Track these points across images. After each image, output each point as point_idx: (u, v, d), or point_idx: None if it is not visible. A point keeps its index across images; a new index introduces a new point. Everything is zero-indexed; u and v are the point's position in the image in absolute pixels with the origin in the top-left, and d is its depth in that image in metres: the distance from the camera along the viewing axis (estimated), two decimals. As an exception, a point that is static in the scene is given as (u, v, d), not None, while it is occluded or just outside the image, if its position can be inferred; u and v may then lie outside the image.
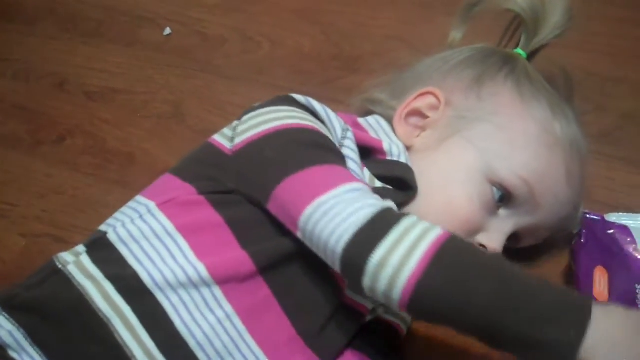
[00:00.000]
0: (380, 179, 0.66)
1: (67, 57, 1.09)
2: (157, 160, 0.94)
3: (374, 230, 0.54)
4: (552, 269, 0.76)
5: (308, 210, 0.56)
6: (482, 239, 0.66)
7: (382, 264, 0.52)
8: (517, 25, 0.76)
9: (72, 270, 0.59)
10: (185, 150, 0.93)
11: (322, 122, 0.65)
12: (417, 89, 0.70)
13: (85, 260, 0.60)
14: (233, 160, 0.63)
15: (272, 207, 0.60)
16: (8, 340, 0.57)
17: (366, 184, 0.62)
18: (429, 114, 0.69)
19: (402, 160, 0.67)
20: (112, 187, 0.91)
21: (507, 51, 0.75)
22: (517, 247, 0.72)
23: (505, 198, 0.66)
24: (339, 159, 0.62)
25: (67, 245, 0.85)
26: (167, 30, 1.10)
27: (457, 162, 0.66)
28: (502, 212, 0.67)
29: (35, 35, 1.14)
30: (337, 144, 0.64)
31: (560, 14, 0.72)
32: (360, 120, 0.71)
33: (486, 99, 0.68)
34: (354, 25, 1.05)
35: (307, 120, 0.63)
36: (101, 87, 1.04)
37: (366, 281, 0.53)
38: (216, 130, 0.94)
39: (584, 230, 0.70)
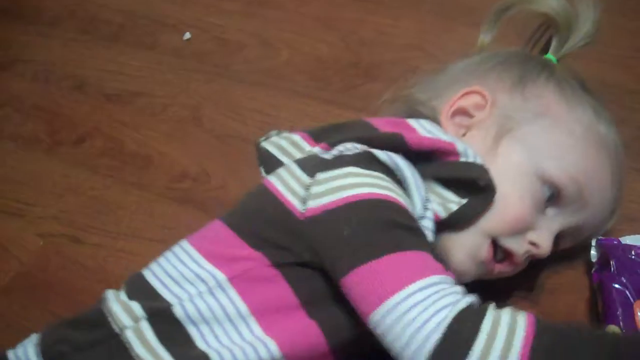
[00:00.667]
0: (447, 181, 0.63)
1: (86, 60, 1.10)
2: (174, 163, 0.94)
3: (457, 339, 0.49)
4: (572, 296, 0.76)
5: (380, 310, 0.52)
6: (532, 236, 0.65)
7: None
8: (543, 32, 0.76)
9: (131, 338, 0.56)
10: (202, 154, 0.94)
11: (404, 186, 0.60)
12: (455, 90, 0.69)
13: (147, 329, 0.56)
14: (308, 227, 0.58)
15: (343, 287, 0.55)
16: None
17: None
18: (474, 113, 0.68)
19: (478, 161, 0.64)
20: (129, 189, 0.92)
21: (540, 56, 0.75)
22: (555, 249, 0.71)
23: (554, 197, 0.66)
24: (418, 238, 0.57)
25: (85, 245, 0.86)
26: (187, 35, 1.10)
27: (507, 161, 0.65)
28: (549, 211, 0.67)
29: (55, 37, 1.15)
30: (416, 215, 0.59)
31: (591, 23, 0.72)
32: (413, 123, 0.67)
33: (531, 99, 0.68)
34: (374, 34, 1.06)
35: (388, 190, 0.58)
36: (120, 89, 1.05)
37: None
38: (234, 134, 0.96)
39: (612, 260, 0.69)
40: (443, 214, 0.62)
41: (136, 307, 0.57)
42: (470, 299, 0.52)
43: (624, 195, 0.79)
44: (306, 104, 0.97)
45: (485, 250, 0.65)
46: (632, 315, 0.66)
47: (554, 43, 0.74)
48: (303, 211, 0.58)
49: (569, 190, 0.65)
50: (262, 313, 0.57)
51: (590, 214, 0.67)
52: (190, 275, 0.59)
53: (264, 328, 0.56)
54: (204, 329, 0.56)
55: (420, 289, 0.51)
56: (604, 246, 0.72)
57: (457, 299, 0.51)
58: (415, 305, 0.51)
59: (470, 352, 0.48)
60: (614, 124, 0.70)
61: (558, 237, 0.69)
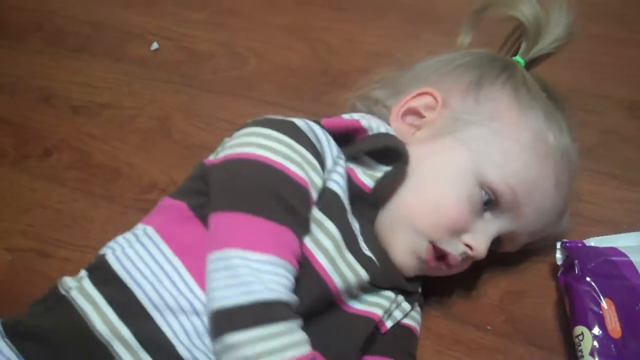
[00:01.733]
0: (370, 154, 0.67)
1: (53, 72, 1.09)
2: (143, 175, 0.93)
3: (252, 313, 0.53)
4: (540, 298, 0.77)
5: (217, 254, 0.56)
6: (467, 239, 0.67)
7: (234, 347, 0.52)
8: (519, 35, 0.77)
9: (75, 295, 0.60)
10: (172, 165, 0.94)
11: (318, 143, 0.64)
12: (415, 89, 0.71)
13: (87, 284, 0.61)
14: (209, 171, 0.64)
15: (209, 222, 0.60)
16: None
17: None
18: (425, 113, 0.70)
19: (383, 130, 0.68)
20: (98, 202, 0.91)
21: (506, 58, 0.76)
22: (499, 252, 0.73)
23: (491, 202, 0.67)
24: (286, 214, 0.59)
25: (53, 259, 0.85)
26: (154, 45, 1.10)
27: (449, 161, 0.67)
28: (487, 215, 0.68)
29: (21, 50, 1.14)
30: (328, 168, 0.64)
31: (563, 27, 0.73)
32: (344, 115, 0.70)
33: (483, 103, 0.69)
34: (342, 41, 1.06)
35: (286, 158, 0.61)
36: (87, 101, 1.04)
37: (216, 347, 0.54)
38: (203, 144, 0.96)
39: (576, 261, 0.71)
40: (372, 184, 0.66)
41: (82, 272, 0.63)
42: (286, 296, 0.55)
43: (595, 198, 0.81)
44: (275, 112, 0.93)
45: (425, 250, 0.67)
46: (600, 315, 0.67)
47: (522, 46, 0.76)
48: (212, 160, 0.65)
49: (506, 198, 0.66)
50: (185, 253, 0.61)
51: (529, 221, 0.69)
52: (128, 234, 0.65)
53: (195, 277, 0.59)
54: (132, 270, 0.60)
55: (258, 260, 0.55)
56: (568, 249, 0.73)
57: (279, 288, 0.55)
58: (245, 267, 0.54)
59: (250, 329, 0.52)
60: (567, 130, 0.71)
61: (498, 241, 0.70)
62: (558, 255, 0.74)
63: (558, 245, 0.74)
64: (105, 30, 1.14)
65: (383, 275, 0.67)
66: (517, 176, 0.66)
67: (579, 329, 0.67)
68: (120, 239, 0.65)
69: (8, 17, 1.20)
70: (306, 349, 0.54)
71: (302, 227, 0.61)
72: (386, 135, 0.68)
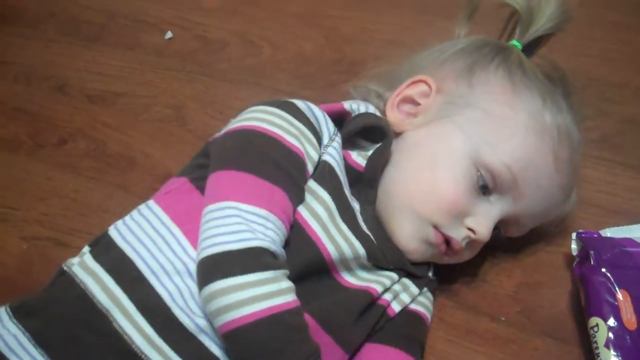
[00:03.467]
0: (363, 136, 0.70)
1: (68, 61, 1.09)
2: (158, 164, 0.94)
3: (239, 260, 0.55)
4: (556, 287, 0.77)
5: (211, 207, 0.59)
6: (470, 222, 0.67)
7: (221, 293, 0.54)
8: (516, 21, 0.77)
9: (76, 270, 0.62)
10: (186, 154, 0.93)
11: (316, 121, 0.67)
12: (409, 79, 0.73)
13: (88, 258, 0.63)
14: (210, 144, 0.68)
15: (207, 182, 0.63)
16: (12, 344, 0.59)
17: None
18: (420, 100, 0.71)
19: (362, 110, 0.70)
20: (113, 191, 0.91)
21: (501, 42, 0.77)
22: (506, 236, 0.73)
23: (490, 184, 0.67)
24: (281, 177, 0.62)
25: (68, 248, 0.86)
26: (169, 34, 1.10)
27: (444, 145, 0.68)
28: (489, 198, 0.68)
29: (36, 39, 1.14)
30: (324, 144, 0.67)
31: (554, 5, 0.74)
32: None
33: (477, 86, 0.70)
34: (356, 30, 1.06)
35: (284, 131, 0.64)
36: (102, 90, 1.04)
37: (203, 295, 0.55)
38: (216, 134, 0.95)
39: (591, 252, 0.70)
40: (364, 163, 0.69)
41: (84, 248, 0.65)
42: (274, 246, 0.57)
43: (612, 189, 0.81)
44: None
45: (433, 235, 0.67)
46: (615, 306, 0.67)
47: (517, 29, 0.76)
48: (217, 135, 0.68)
49: (503, 177, 0.66)
50: (182, 219, 0.63)
51: (532, 201, 0.69)
52: (132, 211, 0.67)
53: (189, 239, 0.61)
54: (132, 239, 0.62)
55: (250, 212, 0.57)
56: (583, 239, 0.72)
57: (264, 237, 0.57)
58: (237, 217, 0.57)
59: (236, 277, 0.54)
60: (568, 110, 0.71)
61: (503, 225, 0.71)
62: (573, 246, 0.74)
63: (573, 236, 0.74)
64: (119, 19, 1.14)
65: (383, 254, 0.67)
66: (513, 155, 0.67)
67: (594, 320, 0.67)
68: (126, 216, 0.67)
69: (22, 5, 1.20)
70: (292, 297, 0.55)
71: (296, 193, 0.63)
72: (365, 114, 0.70)
